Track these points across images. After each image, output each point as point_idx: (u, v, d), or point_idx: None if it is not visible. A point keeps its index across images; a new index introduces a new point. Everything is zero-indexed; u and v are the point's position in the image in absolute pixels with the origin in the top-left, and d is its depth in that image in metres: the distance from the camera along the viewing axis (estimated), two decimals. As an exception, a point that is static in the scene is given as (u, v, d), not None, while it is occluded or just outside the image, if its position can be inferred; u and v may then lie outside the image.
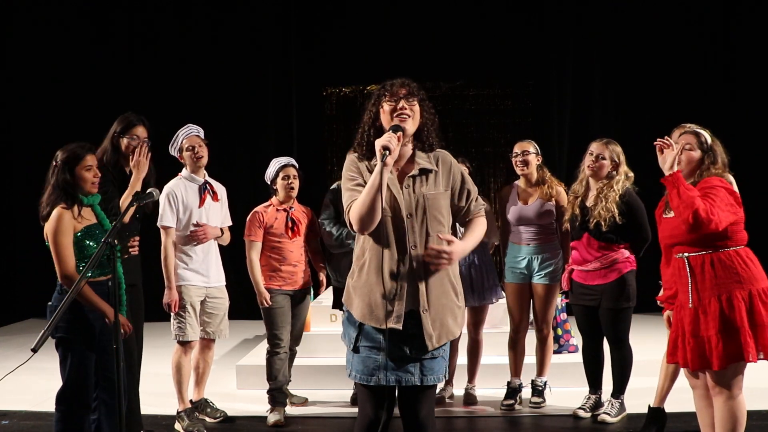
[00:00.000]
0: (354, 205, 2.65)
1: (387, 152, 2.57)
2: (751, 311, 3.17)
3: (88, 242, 3.49)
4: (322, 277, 5.01)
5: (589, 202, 4.44)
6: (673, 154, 3.30)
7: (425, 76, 8.59)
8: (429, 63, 8.42)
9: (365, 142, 2.79)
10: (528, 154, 4.75)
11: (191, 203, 4.48)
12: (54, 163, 3.53)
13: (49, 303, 3.50)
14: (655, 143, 3.37)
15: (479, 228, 2.86)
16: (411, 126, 2.74)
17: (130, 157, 3.99)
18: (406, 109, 2.72)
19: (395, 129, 2.66)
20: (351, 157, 2.81)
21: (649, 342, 6.17)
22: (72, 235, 3.46)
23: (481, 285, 4.85)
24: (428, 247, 2.67)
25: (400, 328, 2.67)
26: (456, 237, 2.77)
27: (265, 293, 4.66)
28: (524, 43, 8.57)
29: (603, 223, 4.31)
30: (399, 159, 2.75)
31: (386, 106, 2.74)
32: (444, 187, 2.78)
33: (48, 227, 3.46)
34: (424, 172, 2.76)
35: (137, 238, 4.11)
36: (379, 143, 2.60)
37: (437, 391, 4.94)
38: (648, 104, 8.15)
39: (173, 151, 4.56)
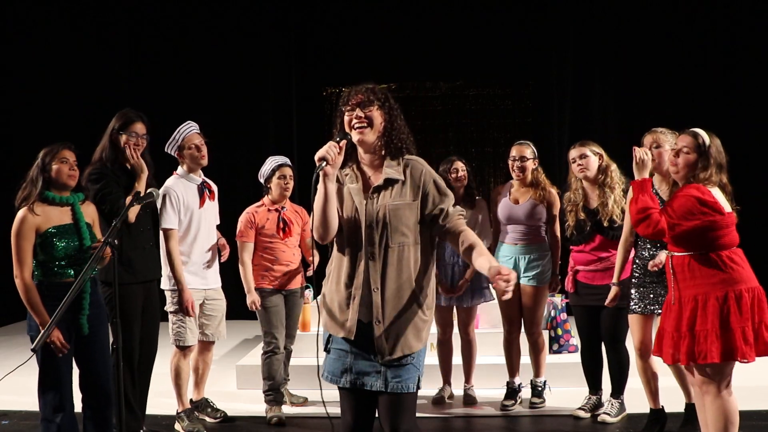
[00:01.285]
0: (312, 216, 2.67)
1: (323, 163, 2.54)
2: (726, 313, 3.21)
3: (56, 242, 3.47)
4: (310, 268, 4.96)
5: (594, 203, 4.43)
6: (650, 166, 3.56)
7: (425, 76, 8.62)
8: (429, 63, 8.43)
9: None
10: (526, 160, 4.74)
11: (192, 204, 4.44)
12: (35, 161, 3.57)
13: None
14: (634, 148, 3.56)
15: (475, 236, 2.69)
16: (370, 134, 2.67)
17: (130, 157, 3.99)
18: (361, 117, 2.67)
19: (341, 137, 2.64)
20: None
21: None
22: (32, 237, 3.46)
23: (470, 286, 4.84)
24: (497, 281, 2.47)
25: (352, 338, 2.66)
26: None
27: (256, 297, 4.65)
28: (524, 43, 8.57)
29: (617, 218, 4.30)
30: (369, 169, 2.72)
31: (345, 117, 2.71)
32: (411, 197, 2.67)
33: (12, 227, 3.48)
34: (390, 183, 2.69)
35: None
36: (317, 154, 2.57)
37: (436, 391, 4.98)
38: (648, 104, 8.14)
39: (171, 149, 4.47)
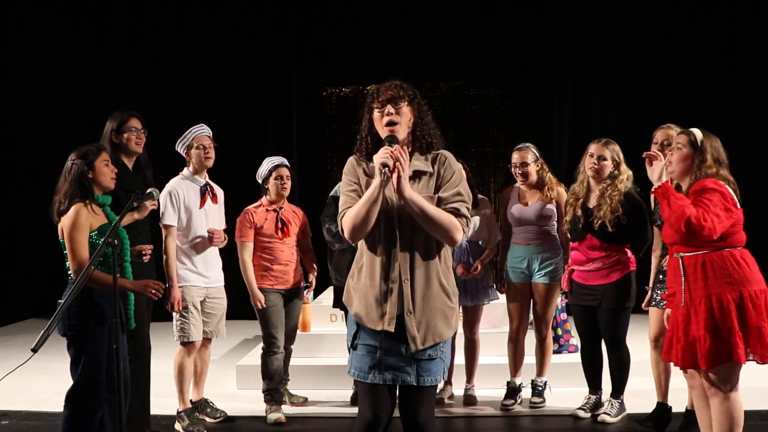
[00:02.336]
0: (348, 213, 2.67)
1: (386, 169, 2.56)
2: (742, 313, 3.17)
3: (100, 242, 3.48)
4: (312, 278, 5.01)
5: (592, 203, 4.43)
6: (660, 165, 3.31)
7: (425, 76, 8.61)
8: (429, 63, 8.42)
9: (363, 148, 2.81)
10: (527, 165, 4.74)
11: (192, 204, 4.48)
12: (71, 162, 3.53)
13: (59, 300, 3.49)
14: (644, 155, 3.40)
15: (447, 214, 2.66)
16: (402, 131, 2.73)
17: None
18: (392, 115, 2.71)
19: (390, 141, 2.65)
20: (351, 160, 2.82)
21: (648, 342, 6.15)
22: (88, 232, 3.47)
23: (475, 285, 4.85)
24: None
25: (392, 330, 2.69)
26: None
27: (259, 295, 4.66)
28: (524, 43, 8.57)
29: (608, 224, 4.29)
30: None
31: (376, 114, 2.75)
32: (434, 190, 2.75)
33: (65, 222, 3.46)
34: (418, 174, 2.74)
35: (150, 246, 4.09)
36: (377, 160, 2.59)
37: (436, 391, 4.97)
38: (648, 104, 8.14)
39: (180, 148, 4.53)
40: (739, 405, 3.27)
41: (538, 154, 4.81)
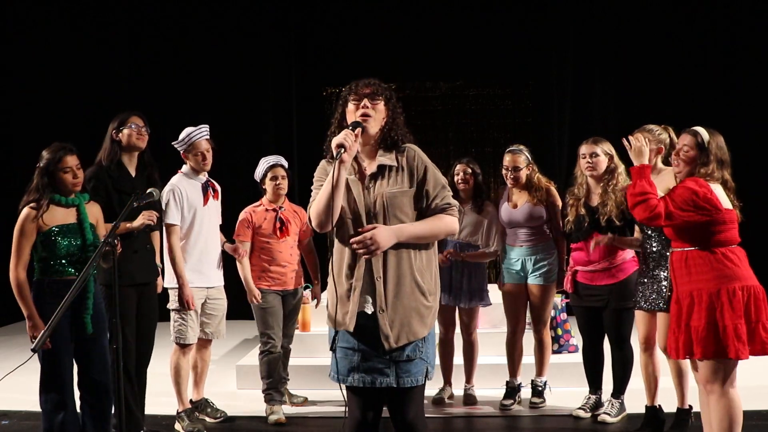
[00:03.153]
0: (313, 203, 2.68)
1: (342, 150, 2.56)
2: (718, 309, 3.24)
3: (59, 240, 3.54)
4: (317, 290, 5.01)
5: (595, 202, 4.43)
6: (641, 146, 3.57)
7: (425, 76, 8.62)
8: (429, 63, 8.43)
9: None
10: (519, 170, 4.74)
11: (195, 202, 4.46)
12: (37, 164, 3.62)
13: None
14: (630, 140, 3.61)
15: (438, 220, 2.71)
16: (373, 125, 2.72)
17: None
18: (368, 108, 2.71)
19: (354, 126, 2.66)
20: (321, 163, 2.83)
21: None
22: (32, 236, 3.55)
23: (470, 288, 4.84)
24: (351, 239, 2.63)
25: (351, 330, 2.67)
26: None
27: (255, 291, 4.66)
28: (524, 43, 8.57)
29: (615, 219, 4.29)
30: (363, 160, 2.75)
31: (351, 106, 2.76)
32: (408, 184, 2.72)
33: (16, 224, 3.56)
34: (383, 169, 2.73)
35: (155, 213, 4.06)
36: (334, 141, 2.61)
37: (436, 391, 4.98)
38: (648, 104, 8.13)
39: (179, 146, 4.50)
40: (736, 402, 3.30)
41: (530, 158, 4.80)
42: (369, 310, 2.68)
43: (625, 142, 3.68)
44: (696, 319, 3.28)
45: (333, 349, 2.77)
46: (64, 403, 3.54)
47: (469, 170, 4.85)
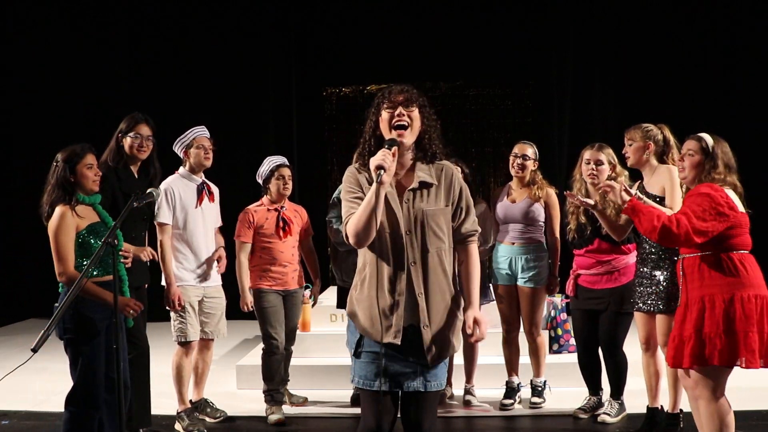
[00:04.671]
0: (351, 219, 2.63)
1: (381, 171, 2.51)
2: (731, 316, 3.17)
3: (92, 240, 3.51)
4: (316, 289, 5.01)
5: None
6: (618, 187, 3.48)
7: (425, 76, 8.62)
8: (429, 63, 8.43)
9: (366, 152, 2.73)
10: (527, 159, 4.74)
11: (188, 202, 4.45)
12: (55, 164, 3.56)
13: (55, 304, 3.51)
14: (598, 189, 3.57)
15: (477, 266, 2.81)
16: (410, 136, 2.68)
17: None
18: (403, 116, 2.66)
19: (390, 144, 2.60)
20: (351, 169, 2.77)
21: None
22: (74, 233, 3.48)
23: None
24: (469, 334, 2.75)
25: (398, 343, 2.66)
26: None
27: (248, 297, 4.65)
28: (524, 43, 8.57)
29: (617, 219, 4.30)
30: (399, 169, 2.70)
31: (384, 114, 2.68)
32: (444, 202, 2.72)
33: (50, 225, 3.48)
34: (424, 185, 2.70)
35: (130, 250, 4.00)
36: (373, 162, 2.55)
37: (439, 396, 4.97)
38: (648, 104, 8.13)
39: (178, 148, 4.51)
40: (725, 407, 3.27)
41: (537, 155, 4.82)
42: (407, 322, 2.68)
43: (604, 192, 3.69)
44: (708, 325, 3.19)
45: (357, 354, 2.74)
46: (98, 409, 3.51)
47: (465, 171, 4.84)
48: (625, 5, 8.41)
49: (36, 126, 8.73)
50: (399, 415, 2.78)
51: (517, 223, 4.74)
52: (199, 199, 4.49)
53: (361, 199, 2.64)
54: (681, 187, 3.97)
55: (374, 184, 2.53)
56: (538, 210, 4.72)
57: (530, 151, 4.77)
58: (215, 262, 4.60)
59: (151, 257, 4.07)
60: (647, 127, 4.18)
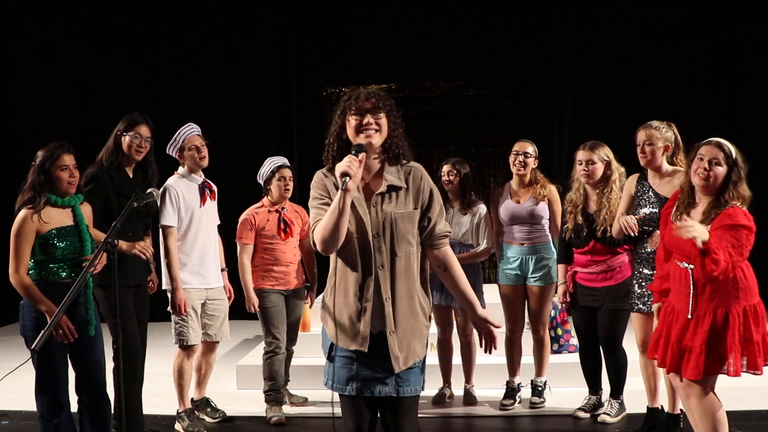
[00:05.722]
0: (318, 226, 2.58)
1: (347, 178, 2.47)
2: (745, 326, 3.16)
3: (58, 243, 3.48)
4: (312, 293, 5.01)
5: (592, 209, 4.43)
6: (701, 228, 2.99)
7: (425, 76, 8.62)
8: (429, 63, 8.43)
9: (331, 156, 2.70)
10: (528, 156, 4.75)
11: (192, 203, 4.43)
12: (32, 163, 3.55)
13: (21, 301, 3.51)
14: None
15: (459, 267, 2.77)
16: (378, 140, 2.64)
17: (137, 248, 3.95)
18: (371, 124, 2.62)
19: (357, 150, 2.56)
20: (319, 174, 2.72)
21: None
22: (32, 238, 3.46)
23: None
24: (485, 333, 2.75)
25: (365, 350, 2.63)
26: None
27: (254, 299, 4.65)
28: (524, 43, 8.57)
29: (610, 229, 4.29)
30: (366, 174, 2.68)
31: (352, 121, 2.63)
32: (413, 204, 2.68)
33: (13, 227, 3.49)
34: (392, 189, 2.67)
35: (148, 247, 4.01)
36: (338, 169, 2.50)
37: (436, 391, 4.98)
38: (648, 104, 8.14)
39: (172, 151, 4.49)
40: (716, 402, 3.26)
41: (537, 152, 4.82)
42: (376, 329, 2.65)
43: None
44: (730, 336, 3.13)
45: (330, 358, 2.72)
46: (60, 406, 3.51)
47: (455, 171, 4.84)
48: (625, 5, 8.41)
49: (36, 126, 8.69)
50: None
51: (524, 224, 4.74)
52: (203, 199, 4.48)
53: (328, 205, 2.60)
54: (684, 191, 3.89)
55: (339, 192, 2.49)
56: (543, 209, 4.73)
57: (530, 148, 4.78)
58: (218, 262, 4.60)
59: (146, 255, 3.97)
60: (662, 126, 4.12)
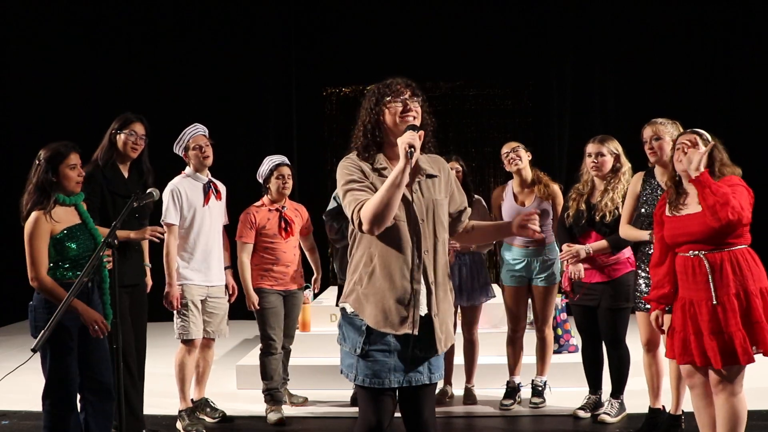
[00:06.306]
0: (368, 203, 2.55)
1: (412, 149, 2.50)
2: (765, 307, 3.19)
3: (68, 244, 3.46)
4: (316, 282, 5.00)
5: (595, 199, 4.43)
6: (699, 153, 3.24)
7: (425, 76, 8.60)
8: (429, 63, 8.43)
9: (370, 142, 2.70)
10: (518, 150, 4.75)
11: (195, 202, 4.46)
12: (36, 162, 3.50)
13: (30, 303, 3.49)
14: (679, 144, 3.36)
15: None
16: (418, 124, 2.69)
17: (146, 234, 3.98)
18: (412, 110, 2.67)
19: (413, 128, 2.60)
20: (351, 158, 2.73)
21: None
22: (48, 239, 3.43)
23: (471, 285, 4.84)
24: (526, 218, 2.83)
25: (416, 333, 2.64)
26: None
27: (254, 297, 4.65)
28: (524, 44, 8.58)
29: (608, 215, 4.29)
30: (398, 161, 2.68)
31: (392, 107, 2.67)
32: (445, 193, 2.79)
33: (25, 229, 3.45)
34: (430, 176, 2.75)
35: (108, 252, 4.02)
36: (403, 141, 2.52)
37: (436, 390, 4.97)
38: (648, 104, 8.13)
39: (178, 150, 4.52)
40: (744, 403, 3.27)
41: (526, 148, 4.82)
42: (423, 312, 2.66)
43: (683, 146, 3.42)
44: (744, 321, 3.15)
45: (363, 354, 2.65)
46: (71, 406, 3.49)
47: (459, 166, 4.85)
48: (625, 5, 8.41)
49: (36, 126, 8.71)
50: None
51: None
52: (206, 198, 4.50)
53: (369, 187, 2.62)
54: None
55: (401, 161, 2.50)
56: (548, 207, 4.74)
57: (518, 145, 4.79)
58: (221, 260, 4.61)
59: (157, 236, 4.02)
60: (667, 122, 4.10)
